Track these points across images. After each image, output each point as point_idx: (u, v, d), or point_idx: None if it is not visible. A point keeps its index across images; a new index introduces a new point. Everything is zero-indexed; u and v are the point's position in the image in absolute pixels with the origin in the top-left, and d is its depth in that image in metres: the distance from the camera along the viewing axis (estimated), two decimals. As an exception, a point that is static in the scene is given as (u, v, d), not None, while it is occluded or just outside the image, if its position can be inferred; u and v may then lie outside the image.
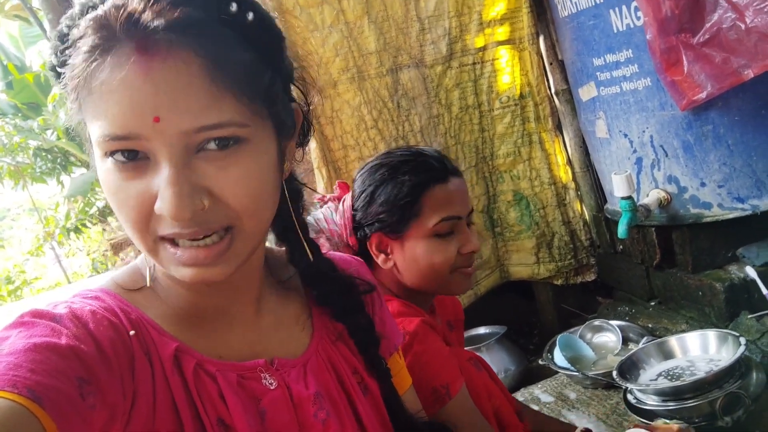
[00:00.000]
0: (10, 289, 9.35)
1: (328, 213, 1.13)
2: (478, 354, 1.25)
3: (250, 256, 0.63)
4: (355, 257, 0.90)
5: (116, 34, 0.52)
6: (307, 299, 0.78)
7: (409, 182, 1.08)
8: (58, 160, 8.82)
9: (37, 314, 0.55)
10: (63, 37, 0.57)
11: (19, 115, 8.29)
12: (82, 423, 0.50)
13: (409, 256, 1.09)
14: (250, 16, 0.57)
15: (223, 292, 0.67)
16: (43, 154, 8.59)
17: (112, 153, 0.54)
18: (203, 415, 0.60)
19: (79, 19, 0.55)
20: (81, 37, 0.54)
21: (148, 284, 0.65)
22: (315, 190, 2.04)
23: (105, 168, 0.56)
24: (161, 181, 0.53)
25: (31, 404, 0.47)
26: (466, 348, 1.47)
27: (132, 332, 0.59)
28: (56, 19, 2.38)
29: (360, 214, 1.12)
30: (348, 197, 1.15)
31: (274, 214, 0.65)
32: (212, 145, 0.55)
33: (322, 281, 0.77)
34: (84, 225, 8.84)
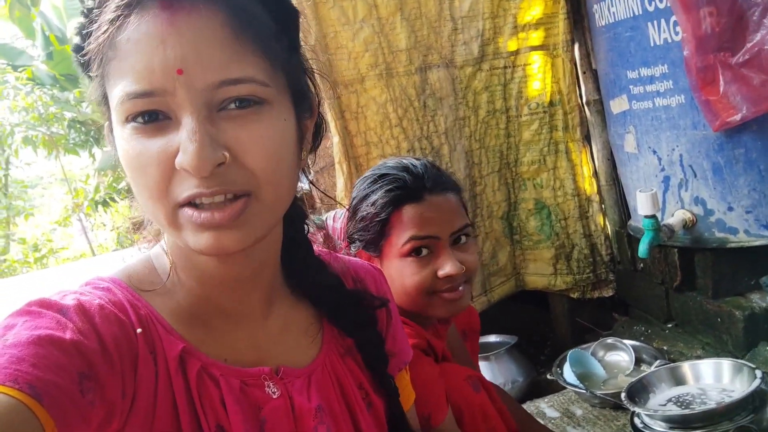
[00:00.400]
0: (37, 257, 9.60)
1: (338, 215, 1.11)
2: (482, 369, 1.23)
3: (265, 233, 0.61)
4: (375, 266, 0.88)
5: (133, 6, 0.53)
6: (320, 311, 0.77)
7: (381, 200, 1.05)
8: (92, 133, 9.01)
9: (45, 304, 0.55)
10: (89, 12, 0.57)
11: (57, 86, 8.48)
12: (81, 419, 0.50)
13: (387, 276, 1.00)
14: None
15: (235, 286, 0.66)
16: (78, 126, 8.77)
17: (132, 118, 0.54)
18: (203, 419, 0.60)
19: None
20: (106, 2, 0.54)
21: (168, 271, 0.64)
22: (329, 196, 2.02)
23: (124, 136, 0.55)
24: (183, 134, 0.53)
25: (30, 401, 0.47)
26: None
27: (139, 330, 0.59)
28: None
29: (349, 228, 1.10)
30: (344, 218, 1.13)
31: (291, 195, 0.63)
32: (233, 105, 0.55)
33: (327, 296, 0.76)
34: (112, 199, 9.01)
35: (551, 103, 2.32)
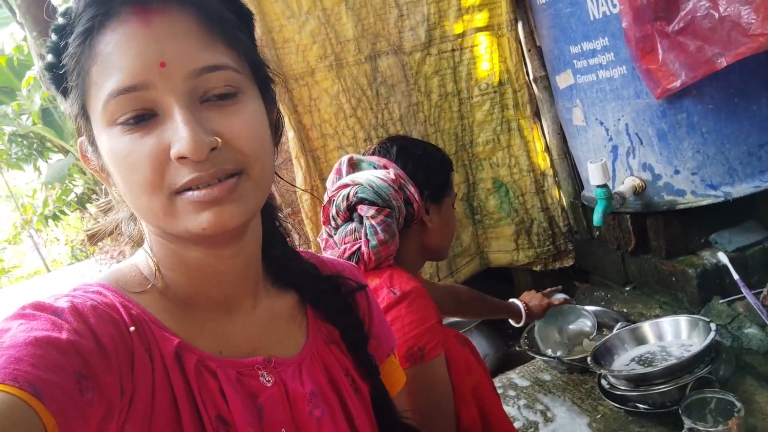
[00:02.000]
0: (-12, 278, 9.23)
1: (390, 190, 1.15)
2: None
3: (256, 210, 0.65)
4: (347, 261, 0.92)
5: (113, 3, 0.56)
6: (302, 300, 0.79)
7: (445, 160, 1.27)
8: (35, 146, 8.65)
9: (39, 307, 0.56)
10: (60, 29, 0.59)
11: (-7, 100, 8.11)
12: (80, 418, 0.51)
13: (444, 219, 1.24)
14: None
15: (224, 281, 0.68)
16: (19, 139, 8.42)
17: (118, 120, 0.57)
18: (203, 411, 0.61)
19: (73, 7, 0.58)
20: (80, 14, 0.57)
21: (154, 272, 0.66)
22: (294, 185, 2.03)
23: (112, 137, 0.58)
24: (175, 125, 0.56)
25: (31, 399, 0.47)
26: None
27: (132, 328, 0.60)
28: (26, 2, 2.33)
29: (421, 185, 1.21)
30: (401, 173, 1.19)
31: (273, 176, 0.67)
32: (213, 98, 0.59)
33: (307, 283, 0.79)
34: (62, 212, 8.72)
35: (500, 83, 2.36)
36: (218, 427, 0.61)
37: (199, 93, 0.58)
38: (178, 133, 0.56)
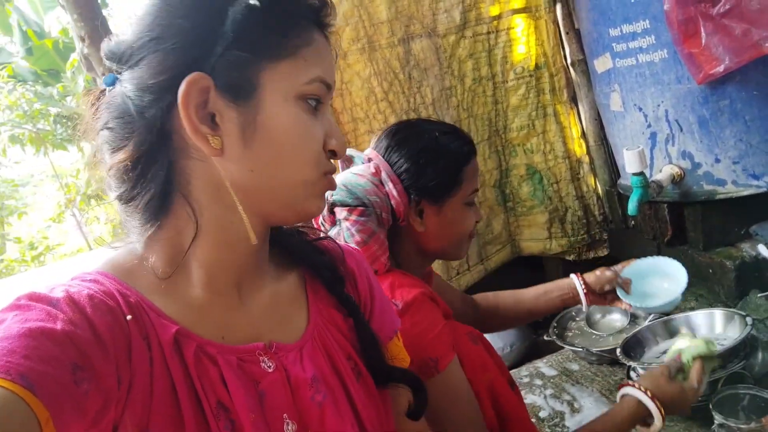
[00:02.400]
0: (34, 255, 9.58)
1: (368, 185, 1.11)
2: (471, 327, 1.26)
3: None
4: (352, 247, 0.91)
5: (317, 22, 0.68)
6: (302, 280, 0.79)
7: (455, 153, 1.15)
8: (78, 127, 8.91)
9: (34, 297, 0.55)
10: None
11: (39, 81, 8.37)
12: (76, 409, 0.50)
13: (446, 222, 1.16)
14: None
15: (240, 268, 0.70)
16: (63, 120, 8.69)
17: (307, 97, 0.66)
18: (203, 398, 0.61)
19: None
20: (295, 8, 0.66)
21: (177, 256, 0.66)
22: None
23: (293, 110, 0.65)
24: (331, 125, 0.70)
25: (23, 391, 0.47)
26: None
27: (129, 317, 0.59)
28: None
29: (409, 182, 1.13)
30: (384, 166, 1.13)
31: None
32: None
33: (304, 250, 0.82)
34: (105, 192, 8.96)
35: (537, 67, 2.31)
36: (219, 414, 0.61)
37: None
38: (336, 133, 0.70)
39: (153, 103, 0.61)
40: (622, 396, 1.15)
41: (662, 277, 1.49)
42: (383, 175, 1.12)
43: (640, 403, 1.11)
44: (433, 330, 1.03)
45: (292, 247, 0.81)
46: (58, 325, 0.53)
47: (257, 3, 0.61)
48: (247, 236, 0.67)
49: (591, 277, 1.48)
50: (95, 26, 2.46)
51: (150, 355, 0.60)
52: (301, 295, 0.78)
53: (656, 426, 1.09)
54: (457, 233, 1.18)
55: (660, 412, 1.09)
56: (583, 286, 1.45)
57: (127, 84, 0.62)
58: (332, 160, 0.71)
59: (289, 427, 0.66)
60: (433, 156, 1.14)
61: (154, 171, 0.63)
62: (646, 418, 1.11)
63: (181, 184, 0.64)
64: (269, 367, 0.67)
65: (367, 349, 0.79)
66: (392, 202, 1.11)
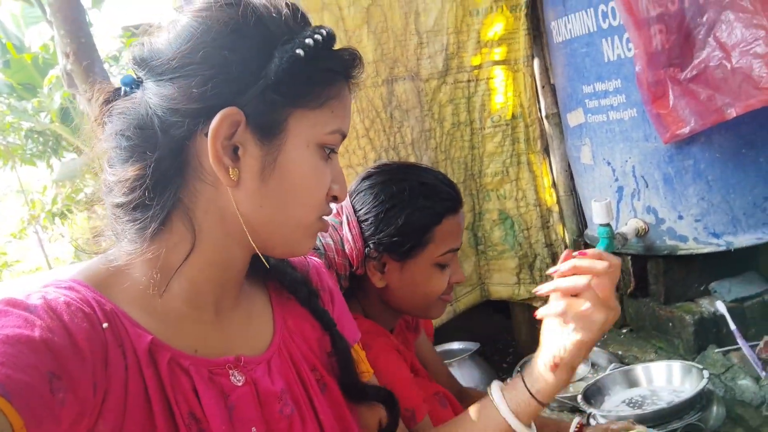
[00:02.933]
0: (-10, 270, 9.25)
1: (334, 233, 1.09)
2: (442, 388, 1.21)
3: None
4: (314, 259, 0.93)
5: (347, 76, 0.72)
6: (268, 295, 0.81)
7: (428, 210, 1.07)
8: (50, 143, 8.76)
9: (11, 303, 0.55)
10: (316, 46, 0.67)
11: (14, 95, 8.25)
12: (51, 418, 0.50)
13: (408, 281, 1.08)
14: None
15: (221, 286, 0.71)
16: (35, 136, 8.53)
17: (326, 146, 0.69)
18: (175, 408, 0.61)
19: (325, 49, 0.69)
20: (332, 58, 0.69)
21: (150, 280, 0.66)
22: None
23: (311, 156, 0.68)
24: (338, 172, 0.74)
25: None
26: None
27: (105, 325, 0.59)
28: (58, 1, 2.39)
29: (369, 232, 1.08)
30: (347, 209, 1.10)
31: None
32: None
33: (280, 273, 0.82)
34: (70, 211, 8.76)
35: (513, 116, 2.39)
36: (190, 424, 0.62)
37: None
38: (340, 179, 0.73)
39: (180, 125, 0.62)
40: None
41: None
42: (343, 217, 1.09)
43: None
44: (404, 380, 1.00)
45: (262, 263, 0.81)
46: (36, 333, 0.52)
47: (302, 53, 0.63)
48: (238, 260, 0.71)
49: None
50: (81, 44, 2.47)
51: (125, 363, 0.60)
52: (266, 307, 0.80)
53: None
54: (421, 294, 1.10)
55: None
56: None
57: (154, 97, 0.63)
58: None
59: None
60: (398, 210, 1.06)
61: (166, 187, 0.64)
62: None
63: (185, 202, 0.66)
64: (239, 381, 0.68)
65: (343, 365, 0.80)
66: (346, 247, 1.08)
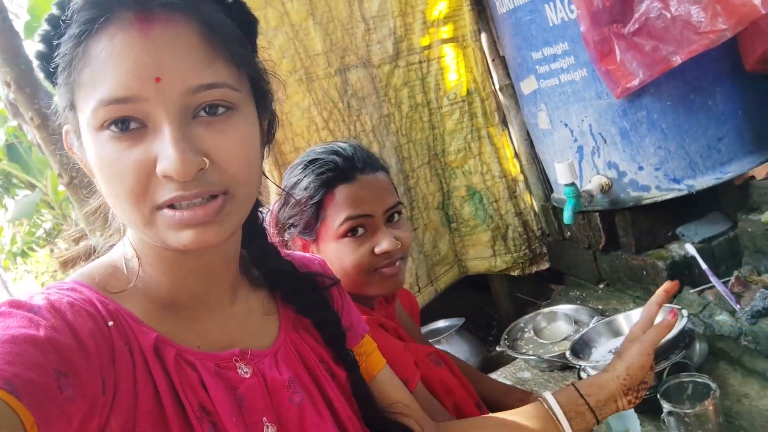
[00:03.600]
0: (-46, 319, 8.90)
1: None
2: (438, 348, 1.24)
3: (239, 226, 0.65)
4: (317, 257, 0.93)
5: (114, 7, 0.55)
6: (274, 294, 0.81)
7: (314, 183, 1.07)
8: (0, 183, 8.49)
9: (15, 304, 0.55)
10: (54, 20, 0.58)
11: (-44, 136, 7.94)
12: (61, 415, 0.50)
13: (330, 259, 1.05)
14: None
15: (204, 277, 0.69)
16: (-20, 177, 8.25)
17: (108, 125, 0.56)
18: (185, 402, 0.61)
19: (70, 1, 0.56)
20: (77, 12, 0.55)
21: (137, 268, 0.65)
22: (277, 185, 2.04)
23: (99, 142, 0.57)
24: (163, 142, 0.55)
25: (8, 397, 0.46)
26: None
27: (111, 323, 0.59)
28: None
29: (282, 219, 1.11)
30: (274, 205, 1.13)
31: (258, 191, 0.68)
32: (203, 113, 0.58)
33: (285, 281, 0.81)
34: (31, 249, 8.50)
35: (468, 92, 2.42)
36: (201, 416, 0.62)
37: (192, 108, 0.58)
38: (166, 151, 0.55)
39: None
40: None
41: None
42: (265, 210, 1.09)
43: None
44: (394, 353, 1.00)
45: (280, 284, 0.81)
46: (41, 332, 0.52)
47: (38, 38, 0.60)
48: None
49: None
50: (21, 71, 2.40)
51: (132, 360, 0.60)
52: (272, 306, 0.80)
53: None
54: (346, 270, 1.06)
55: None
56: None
57: None
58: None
59: (269, 430, 0.67)
60: (294, 189, 1.08)
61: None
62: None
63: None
64: (246, 372, 0.68)
65: (362, 402, 0.80)
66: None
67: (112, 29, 0.55)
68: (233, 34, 0.61)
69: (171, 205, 0.58)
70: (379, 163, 1.14)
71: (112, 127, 0.56)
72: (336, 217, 1.06)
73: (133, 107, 0.55)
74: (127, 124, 0.56)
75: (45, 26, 0.59)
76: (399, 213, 1.14)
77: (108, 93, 0.55)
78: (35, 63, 0.61)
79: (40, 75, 0.62)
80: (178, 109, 0.56)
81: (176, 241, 0.59)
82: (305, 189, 1.08)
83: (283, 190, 1.12)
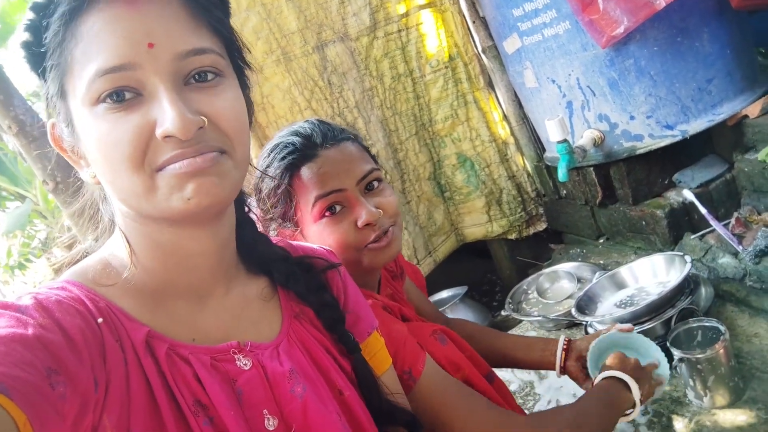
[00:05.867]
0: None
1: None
2: (440, 324, 1.19)
3: (235, 193, 0.65)
4: (324, 247, 0.91)
5: None
6: (273, 283, 0.80)
7: (277, 170, 1.02)
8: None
9: (2, 306, 0.55)
10: (39, 7, 0.59)
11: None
12: (54, 413, 0.50)
13: (317, 242, 1.00)
14: None
15: (198, 264, 0.68)
16: (-29, 192, 8.16)
17: (103, 98, 0.57)
18: (179, 397, 0.60)
19: None
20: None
21: (126, 260, 0.65)
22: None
23: (96, 115, 0.58)
24: (161, 105, 0.57)
25: None
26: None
27: (100, 320, 0.59)
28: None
29: (261, 210, 1.06)
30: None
31: (249, 160, 0.68)
32: (193, 80, 0.60)
33: (278, 266, 0.80)
34: (28, 260, 8.47)
35: (450, 58, 2.37)
36: (197, 411, 0.61)
37: (183, 74, 0.59)
38: (165, 113, 0.57)
39: None
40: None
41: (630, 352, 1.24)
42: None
43: (614, 379, 1.05)
44: (396, 340, 0.96)
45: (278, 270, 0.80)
46: (30, 331, 0.52)
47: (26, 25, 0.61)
48: (177, 237, 0.67)
49: (582, 342, 1.24)
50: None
51: (124, 357, 0.59)
52: (272, 294, 0.78)
53: (635, 401, 1.05)
54: (336, 250, 0.98)
55: (636, 384, 1.04)
56: (563, 353, 1.24)
57: None
58: None
59: (270, 423, 0.66)
60: (262, 180, 1.04)
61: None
62: (622, 397, 1.04)
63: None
64: (245, 365, 0.67)
65: (366, 391, 0.78)
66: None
67: (101, 5, 0.57)
68: (215, 4, 0.63)
69: (170, 164, 0.59)
70: (345, 133, 1.07)
71: (108, 100, 0.57)
72: (307, 199, 1.01)
73: (127, 75, 0.57)
74: (122, 96, 0.57)
75: (30, 15, 0.60)
76: (378, 180, 1.06)
77: (104, 63, 0.56)
78: (22, 54, 0.61)
79: (29, 64, 0.62)
80: (171, 73, 0.58)
81: (180, 198, 0.59)
82: (272, 179, 1.02)
83: (258, 181, 1.06)
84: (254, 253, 0.80)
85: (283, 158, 1.02)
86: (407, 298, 1.27)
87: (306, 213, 1.02)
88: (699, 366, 1.24)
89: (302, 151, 1.01)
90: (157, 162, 0.58)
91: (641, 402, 1.05)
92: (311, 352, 0.75)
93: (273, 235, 1.08)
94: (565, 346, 1.23)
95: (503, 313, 1.97)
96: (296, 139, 1.02)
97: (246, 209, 0.81)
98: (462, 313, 2.09)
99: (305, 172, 1.01)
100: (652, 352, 1.19)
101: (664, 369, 1.17)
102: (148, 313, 0.64)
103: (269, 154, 1.05)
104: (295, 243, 0.89)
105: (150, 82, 0.57)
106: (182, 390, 0.61)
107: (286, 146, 1.03)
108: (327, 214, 1.01)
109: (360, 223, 1.01)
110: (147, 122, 0.57)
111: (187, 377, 0.62)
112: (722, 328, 1.27)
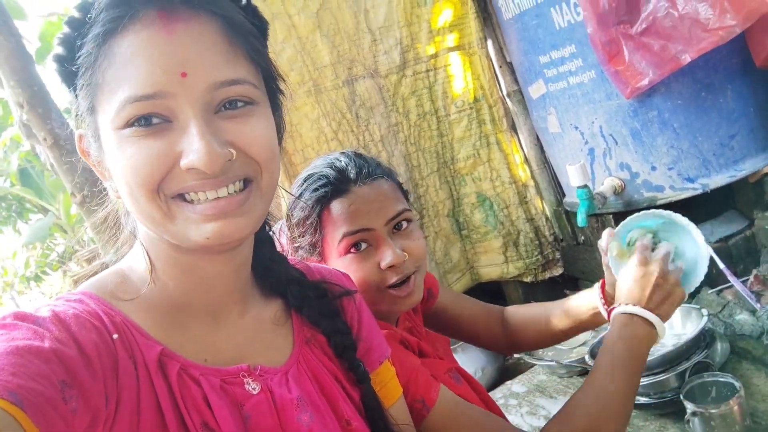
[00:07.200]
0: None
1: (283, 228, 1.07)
2: (457, 363, 1.20)
3: (261, 219, 0.65)
4: (339, 270, 0.91)
5: (138, 6, 0.56)
6: (287, 306, 0.80)
7: (310, 201, 1.01)
8: (13, 208, 8.57)
9: (20, 317, 0.55)
10: (75, 23, 0.58)
11: (-31, 162, 8.06)
12: (65, 426, 0.50)
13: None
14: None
15: (216, 284, 0.68)
16: (-4, 202, 8.34)
17: (131, 123, 0.56)
18: (187, 419, 0.60)
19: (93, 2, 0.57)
20: (102, 11, 0.56)
21: (147, 275, 0.65)
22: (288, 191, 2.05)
23: (123, 139, 0.57)
24: (190, 137, 0.56)
25: (12, 408, 0.46)
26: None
27: (115, 336, 0.59)
28: (4, 53, 2.35)
29: (291, 237, 1.06)
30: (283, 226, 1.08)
31: (276, 184, 0.67)
32: (224, 108, 0.59)
33: (293, 288, 0.79)
34: (44, 272, 8.57)
35: (475, 99, 2.42)
36: None
37: (214, 104, 0.59)
38: (193, 145, 0.56)
39: None
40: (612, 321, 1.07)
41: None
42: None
43: (633, 317, 1.04)
44: (408, 371, 0.96)
45: (288, 291, 0.80)
46: (46, 343, 0.52)
47: (58, 43, 0.61)
48: (200, 261, 0.67)
49: (610, 276, 1.18)
50: (34, 92, 2.43)
51: (136, 374, 0.59)
52: (286, 319, 0.78)
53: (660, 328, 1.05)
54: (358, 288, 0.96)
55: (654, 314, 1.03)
56: (602, 297, 1.20)
57: None
58: None
59: None
60: (293, 209, 1.04)
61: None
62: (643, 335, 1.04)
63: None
64: (254, 389, 0.67)
65: (374, 419, 0.78)
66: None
67: (137, 28, 0.56)
68: (252, 32, 0.62)
69: (184, 197, 0.59)
70: (381, 169, 1.07)
71: (135, 124, 0.57)
72: (334, 235, 1.00)
73: (158, 103, 0.56)
74: (149, 120, 0.57)
75: (65, 29, 0.59)
76: (408, 221, 1.05)
77: (135, 90, 0.55)
78: (54, 67, 0.61)
79: (60, 78, 0.62)
80: (202, 104, 0.57)
81: (198, 235, 0.59)
82: (302, 208, 1.02)
83: (290, 208, 1.07)
84: (270, 273, 0.80)
85: (315, 190, 1.02)
86: (451, 310, 1.26)
87: (332, 246, 1.01)
88: (713, 422, 1.23)
89: (335, 185, 1.01)
90: (173, 189, 0.58)
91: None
92: (320, 380, 0.74)
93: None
94: (603, 301, 1.19)
95: (515, 355, 1.95)
96: (330, 172, 1.02)
97: (267, 227, 0.80)
98: (473, 354, 2.08)
99: (336, 206, 1.00)
100: (686, 242, 1.19)
101: (699, 270, 1.16)
102: (163, 330, 0.64)
103: (303, 183, 1.05)
104: (312, 265, 0.89)
105: (180, 111, 0.56)
106: (191, 412, 0.61)
107: (320, 178, 1.03)
108: (352, 250, 1.01)
109: (383, 265, 1.00)
110: (172, 150, 0.57)
111: (196, 399, 0.62)
112: (737, 384, 1.25)
